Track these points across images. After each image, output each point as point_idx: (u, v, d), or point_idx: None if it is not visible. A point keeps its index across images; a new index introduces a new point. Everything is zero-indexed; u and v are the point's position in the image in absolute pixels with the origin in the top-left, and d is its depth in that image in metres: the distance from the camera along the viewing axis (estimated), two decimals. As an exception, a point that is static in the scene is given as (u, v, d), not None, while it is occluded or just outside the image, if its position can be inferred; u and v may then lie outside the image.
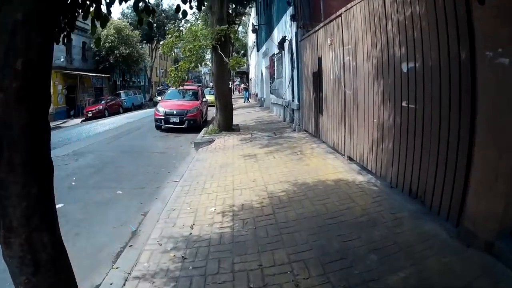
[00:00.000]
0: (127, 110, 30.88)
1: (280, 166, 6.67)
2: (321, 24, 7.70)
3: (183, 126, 13.28)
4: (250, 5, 21.37)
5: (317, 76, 8.17)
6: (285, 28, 11.98)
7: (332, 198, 4.65)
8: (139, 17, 2.77)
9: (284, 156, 7.49)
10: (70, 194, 6.19)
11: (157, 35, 39.41)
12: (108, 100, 28.08)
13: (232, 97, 25.34)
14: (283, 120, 13.19)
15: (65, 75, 29.37)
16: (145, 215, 4.96)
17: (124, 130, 15.42)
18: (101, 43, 31.81)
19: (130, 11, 40.60)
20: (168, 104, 14.13)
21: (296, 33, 10.17)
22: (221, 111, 11.92)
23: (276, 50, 14.57)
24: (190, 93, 15.60)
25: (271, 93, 17.51)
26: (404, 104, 4.21)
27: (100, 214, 5.21)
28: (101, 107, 26.94)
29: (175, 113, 13.36)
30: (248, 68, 37.95)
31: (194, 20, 17.30)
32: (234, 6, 18.00)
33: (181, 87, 12.69)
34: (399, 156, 4.36)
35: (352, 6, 5.70)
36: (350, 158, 6.31)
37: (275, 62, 15.02)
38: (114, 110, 28.39)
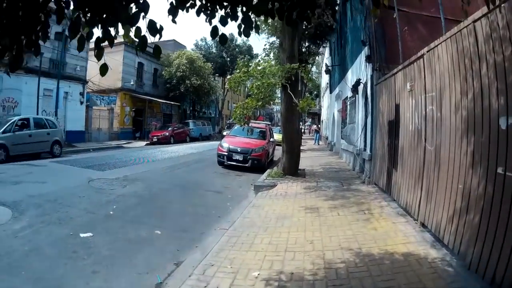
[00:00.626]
0: (194, 139, 31.64)
1: (344, 226, 5.78)
2: (400, 67, 6.88)
3: (246, 165, 12.91)
4: (324, 45, 20.95)
5: (394, 126, 7.25)
6: (359, 70, 11.27)
7: (399, 279, 3.72)
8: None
9: (349, 213, 6.57)
10: (104, 224, 5.92)
11: (230, 69, 39.91)
12: (175, 128, 29.05)
13: (302, 137, 24.75)
14: (352, 168, 12.18)
15: (134, 98, 31.15)
16: (178, 266, 4.41)
17: (184, 161, 15.46)
18: (174, 72, 33.71)
19: (203, 43, 42.86)
20: (233, 140, 13.94)
21: (372, 76, 9.40)
22: (287, 154, 11.30)
23: (349, 93, 13.81)
24: (258, 131, 15.29)
25: (342, 138, 16.57)
26: (500, 171, 3.26)
27: (129, 254, 4.77)
28: (167, 133, 27.72)
29: (239, 150, 13.10)
30: (320, 109, 37.35)
31: (265, 56, 17.20)
32: (307, 44, 17.54)
33: (247, 125, 12.30)
34: (486, 234, 3.40)
35: (436, 46, 4.86)
36: (423, 225, 5.27)
37: (348, 106, 14.21)
38: (180, 138, 29.12)
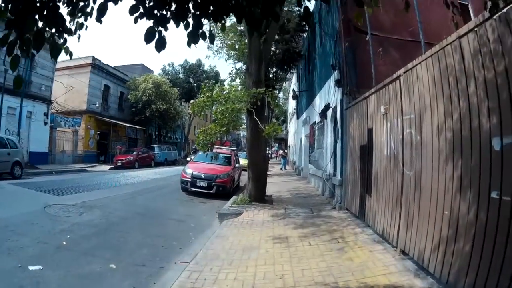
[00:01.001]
0: (159, 164, 31.13)
1: (316, 258, 5.31)
2: (373, 90, 6.71)
3: (211, 191, 12.33)
4: (292, 71, 21.07)
5: (366, 151, 7.02)
6: (328, 95, 11.17)
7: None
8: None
9: (321, 243, 6.13)
10: (55, 256, 5.26)
11: (196, 94, 40.18)
12: (140, 152, 28.59)
13: (269, 162, 24.46)
14: (321, 194, 11.89)
15: (99, 120, 30.56)
16: (132, 306, 3.78)
17: (147, 186, 14.73)
18: (139, 96, 33.03)
19: (170, 68, 42.66)
20: (197, 166, 13.40)
21: (341, 101, 9.28)
22: (253, 181, 10.77)
23: (317, 119, 13.71)
24: (223, 157, 14.88)
25: (310, 163, 16.39)
26: (494, 195, 2.99)
27: (78, 291, 4.10)
28: (131, 158, 27.26)
29: (203, 177, 12.52)
30: (287, 134, 37.49)
31: (231, 81, 16.85)
32: (274, 70, 17.46)
33: (210, 151, 11.75)
34: (480, 264, 3.10)
35: (415, 66, 4.67)
36: (403, 253, 4.94)
37: (316, 131, 14.09)
38: (145, 162, 28.62)
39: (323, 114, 11.86)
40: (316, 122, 13.97)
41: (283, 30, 15.42)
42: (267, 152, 14.68)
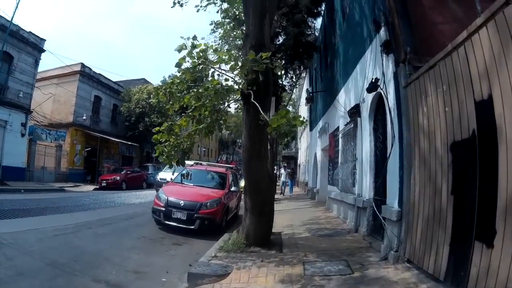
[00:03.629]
0: (152, 185, 27.43)
1: None
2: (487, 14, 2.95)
3: (192, 227, 8.39)
4: (303, 72, 17.02)
5: (473, 151, 3.35)
6: (362, 80, 7.36)
7: None
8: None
9: None
10: None
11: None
12: (129, 172, 24.71)
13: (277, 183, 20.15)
14: (354, 229, 7.87)
15: (87, 135, 27.18)
16: None
17: (113, 215, 10.87)
18: (132, 108, 29.56)
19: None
20: (176, 190, 9.52)
21: (396, 74, 5.46)
22: (252, 214, 6.67)
23: (341, 122, 9.91)
24: (215, 176, 10.98)
25: (330, 184, 12.46)
26: None
27: None
28: (118, 177, 23.56)
29: (181, 205, 8.58)
30: (296, 152, 33.26)
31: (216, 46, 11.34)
32: (283, 63, 13.24)
33: (181, 166, 7.51)
34: None
35: None
36: None
37: (340, 140, 10.25)
38: (135, 183, 24.69)
39: (353, 112, 8.08)
40: (340, 127, 10.15)
41: (294, 7, 11.81)
42: (273, 168, 10.64)
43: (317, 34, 15.74)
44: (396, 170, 5.33)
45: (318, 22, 15.05)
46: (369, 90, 6.23)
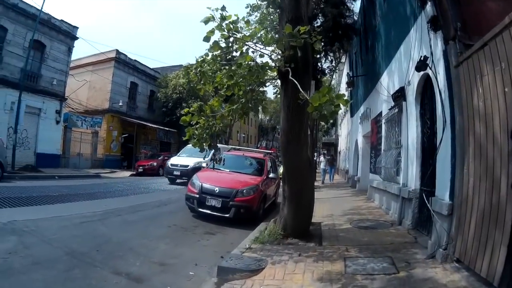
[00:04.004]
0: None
1: None
2: None
3: (227, 215, 8.23)
4: (343, 55, 16.19)
5: None
6: (407, 60, 6.79)
7: None
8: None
9: None
10: None
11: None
12: (166, 158, 24.76)
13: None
14: (398, 222, 7.38)
15: (124, 121, 27.51)
16: None
17: (146, 201, 10.92)
18: (169, 94, 29.59)
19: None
20: (210, 176, 9.40)
21: (445, 53, 4.92)
22: (290, 202, 6.31)
23: (384, 107, 9.33)
24: (253, 162, 10.73)
25: (372, 172, 11.91)
26: None
27: None
28: (155, 163, 23.63)
29: (216, 191, 8.43)
30: (336, 139, 32.36)
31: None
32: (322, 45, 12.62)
33: (214, 149, 7.09)
34: None
35: None
36: None
37: (383, 126, 9.67)
38: (171, 169, 24.97)
39: (398, 95, 7.52)
40: (383, 112, 9.56)
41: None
42: (314, 155, 10.17)
43: (355, 18, 14.96)
44: (448, 159, 4.82)
45: (357, 6, 14.27)
46: (417, 69, 5.69)
